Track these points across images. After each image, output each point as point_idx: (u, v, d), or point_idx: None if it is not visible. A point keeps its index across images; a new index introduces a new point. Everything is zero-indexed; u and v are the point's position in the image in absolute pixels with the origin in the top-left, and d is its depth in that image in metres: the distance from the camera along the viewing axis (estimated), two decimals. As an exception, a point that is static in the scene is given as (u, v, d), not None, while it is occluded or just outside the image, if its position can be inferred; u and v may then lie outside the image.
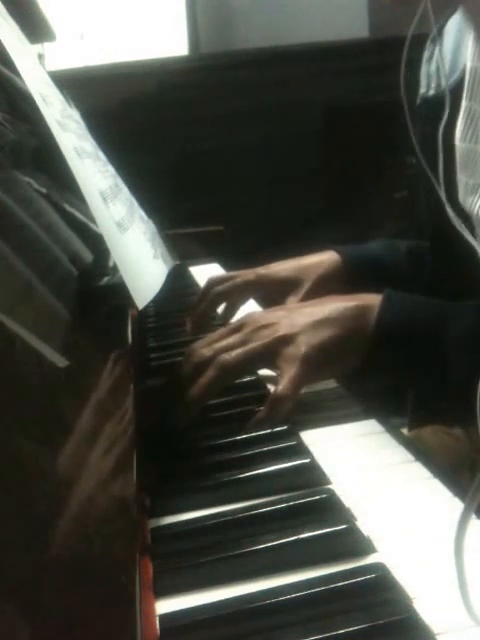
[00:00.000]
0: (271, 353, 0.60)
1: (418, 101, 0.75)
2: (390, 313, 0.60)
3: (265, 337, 0.60)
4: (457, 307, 0.61)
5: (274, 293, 0.78)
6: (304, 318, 0.60)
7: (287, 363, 0.59)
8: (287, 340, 0.59)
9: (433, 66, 0.74)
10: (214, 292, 0.80)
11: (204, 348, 0.61)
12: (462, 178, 0.69)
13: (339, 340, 0.59)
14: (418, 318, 0.60)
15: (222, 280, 0.81)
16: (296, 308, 0.65)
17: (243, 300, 0.82)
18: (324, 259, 0.81)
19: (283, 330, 0.60)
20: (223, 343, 0.61)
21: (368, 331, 0.59)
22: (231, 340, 0.61)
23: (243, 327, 0.62)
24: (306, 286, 0.77)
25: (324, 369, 0.61)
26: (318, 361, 0.59)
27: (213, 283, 0.81)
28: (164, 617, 0.37)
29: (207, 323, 0.81)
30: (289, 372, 0.58)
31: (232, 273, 0.83)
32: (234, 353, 0.59)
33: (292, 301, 0.76)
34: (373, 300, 0.61)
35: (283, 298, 0.77)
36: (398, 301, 0.61)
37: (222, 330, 0.64)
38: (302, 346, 0.59)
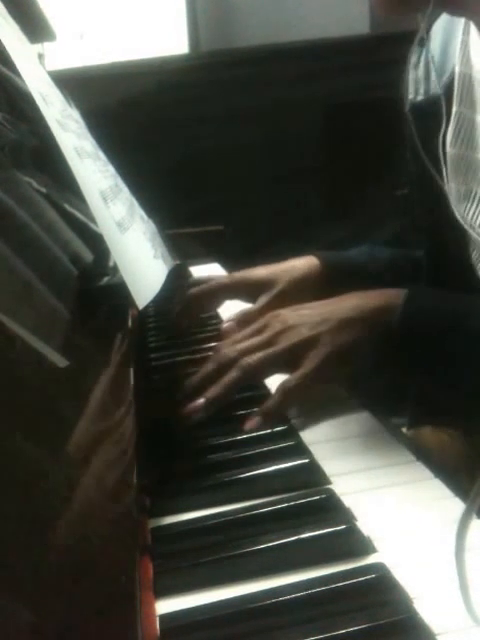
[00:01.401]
0: (293, 356, 0.61)
1: (407, 107, 0.74)
2: (413, 315, 0.60)
3: (287, 340, 0.61)
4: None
5: (249, 294, 0.80)
6: (327, 318, 0.61)
7: (308, 361, 0.60)
8: (310, 343, 0.60)
9: (420, 71, 0.73)
10: (188, 296, 0.81)
11: (228, 348, 0.62)
12: (453, 185, 0.68)
13: (361, 341, 0.61)
14: (440, 318, 0.61)
15: (197, 283, 0.83)
16: (319, 306, 0.66)
17: (218, 303, 0.83)
18: (301, 263, 0.82)
19: (306, 332, 0.61)
20: (247, 344, 0.62)
21: (390, 330, 0.60)
22: (255, 342, 0.62)
23: (267, 328, 0.63)
24: (278, 287, 0.79)
25: (342, 369, 0.62)
26: (338, 361, 0.60)
27: (189, 286, 0.83)
28: (164, 617, 0.37)
29: (189, 324, 0.83)
30: (306, 366, 0.59)
31: (208, 276, 0.85)
32: (256, 356, 0.61)
33: (262, 301, 0.77)
34: (394, 298, 0.61)
35: (256, 298, 0.78)
36: (421, 301, 0.62)
37: (246, 330, 0.65)
38: (325, 346, 0.60)
